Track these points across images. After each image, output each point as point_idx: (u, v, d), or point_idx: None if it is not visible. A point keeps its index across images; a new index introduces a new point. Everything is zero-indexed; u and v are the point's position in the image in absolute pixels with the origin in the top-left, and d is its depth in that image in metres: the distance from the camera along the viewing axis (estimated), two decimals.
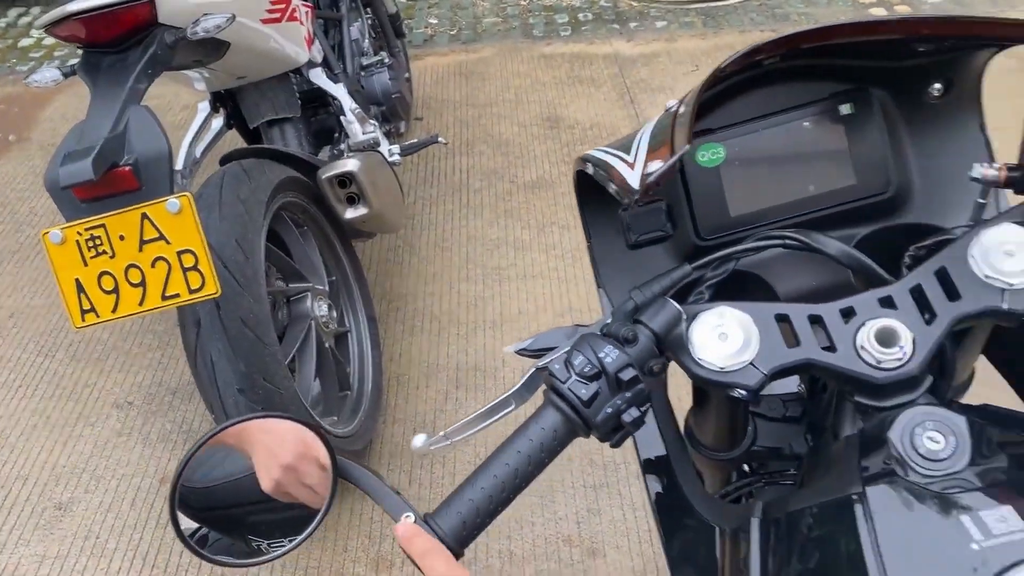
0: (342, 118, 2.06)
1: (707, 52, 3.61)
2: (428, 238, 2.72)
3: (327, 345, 1.90)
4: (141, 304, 1.36)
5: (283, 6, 1.80)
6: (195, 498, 0.68)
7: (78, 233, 1.35)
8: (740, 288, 0.89)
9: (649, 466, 0.83)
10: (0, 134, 3.58)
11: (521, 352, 0.80)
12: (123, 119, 1.37)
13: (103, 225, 1.34)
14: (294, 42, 1.91)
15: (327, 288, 1.96)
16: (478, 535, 0.69)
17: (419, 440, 0.76)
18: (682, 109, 0.72)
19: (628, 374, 0.68)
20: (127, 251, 1.35)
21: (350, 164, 1.82)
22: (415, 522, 0.66)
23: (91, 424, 2.20)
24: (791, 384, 0.95)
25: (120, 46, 1.46)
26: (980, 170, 0.74)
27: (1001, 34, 0.74)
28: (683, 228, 0.90)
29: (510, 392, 0.76)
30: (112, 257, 1.36)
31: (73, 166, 1.29)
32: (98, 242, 1.35)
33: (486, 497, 0.68)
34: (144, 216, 1.33)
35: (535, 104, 3.38)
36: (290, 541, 0.66)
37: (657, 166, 0.68)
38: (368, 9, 2.70)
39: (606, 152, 0.79)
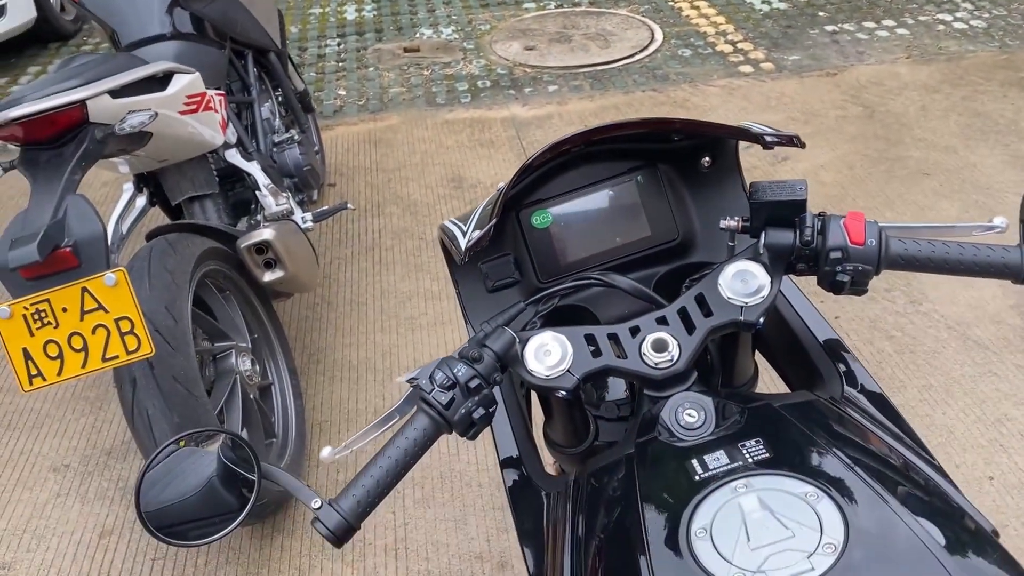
0: (257, 192, 2.28)
1: (595, 112, 3.97)
2: (344, 295, 2.95)
3: (252, 397, 2.10)
4: (84, 366, 1.55)
5: (199, 98, 2.03)
6: (152, 518, 0.89)
7: (24, 308, 1.54)
8: (573, 317, 1.16)
9: (505, 463, 1.07)
10: None
11: (409, 381, 1.04)
12: (62, 207, 1.58)
13: (47, 300, 1.53)
14: (210, 128, 2.13)
15: (250, 345, 2.17)
16: (371, 511, 0.92)
17: (326, 451, 0.99)
18: (504, 189, 0.99)
19: (475, 383, 0.92)
20: (70, 321, 1.54)
21: (266, 233, 2.05)
22: (322, 505, 0.89)
23: (29, 488, 2.33)
24: (621, 391, 1.22)
25: (56, 143, 1.67)
26: (724, 223, 1.02)
27: (725, 133, 1.04)
28: (528, 275, 1.16)
29: (394, 407, 1.00)
30: (56, 327, 1.55)
31: (20, 250, 1.49)
32: (43, 314, 1.54)
33: (375, 483, 0.91)
34: (84, 290, 1.53)
35: (440, 167, 3.66)
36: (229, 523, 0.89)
37: (477, 235, 0.94)
38: (278, 90, 2.95)
39: (453, 223, 1.06)
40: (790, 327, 1.11)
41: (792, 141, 0.99)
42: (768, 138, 0.97)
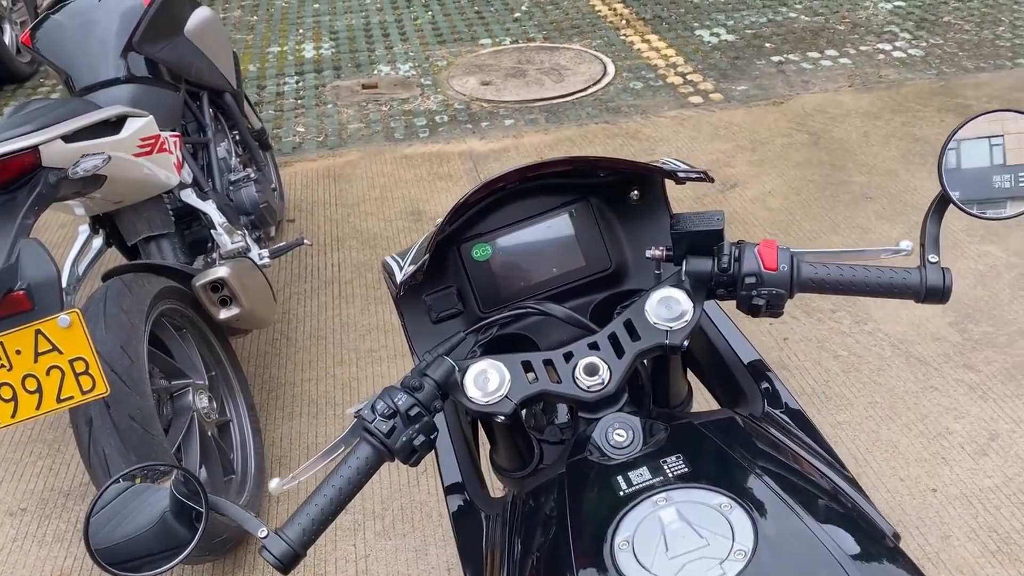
0: (212, 231, 2.31)
1: (550, 145, 4.06)
2: (304, 329, 2.97)
3: (209, 434, 2.11)
4: (38, 408, 1.56)
5: (153, 141, 2.07)
6: (103, 555, 0.92)
7: None
8: (515, 344, 1.21)
9: (449, 489, 1.11)
10: None
11: (356, 412, 1.08)
12: (15, 251, 1.60)
13: (1, 343, 1.55)
14: (165, 169, 2.17)
15: (207, 382, 2.18)
16: (316, 539, 0.95)
17: (275, 483, 1.02)
18: (440, 226, 1.05)
19: (415, 411, 0.96)
20: (23, 363, 1.56)
21: (221, 271, 2.08)
22: (268, 534, 0.92)
23: None
24: (566, 415, 1.27)
25: (9, 188, 1.69)
26: (649, 252, 1.08)
27: (642, 170, 1.11)
28: (470, 306, 1.21)
29: (339, 438, 1.04)
30: (9, 370, 1.56)
31: None
32: None
33: (319, 511, 0.95)
34: (38, 332, 1.55)
35: (399, 200, 3.71)
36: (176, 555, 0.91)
37: (411, 270, 1.00)
38: (234, 129, 2.99)
39: (393, 259, 1.11)
40: (717, 349, 1.17)
41: (703, 177, 1.06)
42: (681, 174, 1.04)
